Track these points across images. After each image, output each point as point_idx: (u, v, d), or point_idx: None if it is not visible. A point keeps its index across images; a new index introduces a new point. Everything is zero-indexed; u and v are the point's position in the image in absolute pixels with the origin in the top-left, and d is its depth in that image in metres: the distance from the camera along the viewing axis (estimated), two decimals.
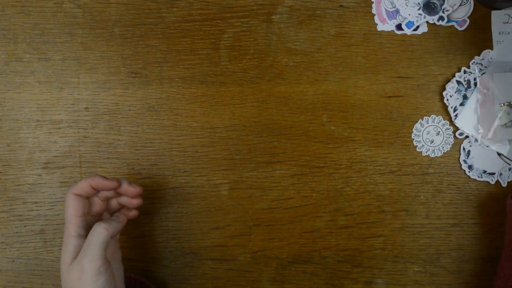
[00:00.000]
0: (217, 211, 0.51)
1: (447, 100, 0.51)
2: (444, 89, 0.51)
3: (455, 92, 0.51)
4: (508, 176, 0.51)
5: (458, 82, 0.51)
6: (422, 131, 0.51)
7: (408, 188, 0.52)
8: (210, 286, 0.51)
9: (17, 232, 0.51)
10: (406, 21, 0.51)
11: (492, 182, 0.51)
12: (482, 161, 0.51)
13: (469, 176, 0.51)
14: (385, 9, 0.51)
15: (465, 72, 0.51)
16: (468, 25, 0.51)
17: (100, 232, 0.38)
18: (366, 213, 0.51)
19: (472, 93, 0.51)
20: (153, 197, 0.51)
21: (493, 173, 0.51)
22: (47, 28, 0.51)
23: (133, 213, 0.45)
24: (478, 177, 0.51)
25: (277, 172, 0.51)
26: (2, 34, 0.51)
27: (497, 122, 0.50)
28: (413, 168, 0.51)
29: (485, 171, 0.51)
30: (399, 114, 0.52)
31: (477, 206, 0.51)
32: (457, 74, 0.51)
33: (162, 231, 0.51)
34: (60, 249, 0.50)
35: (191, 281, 0.51)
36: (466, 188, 0.51)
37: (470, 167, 0.51)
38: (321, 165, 0.51)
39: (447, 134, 0.51)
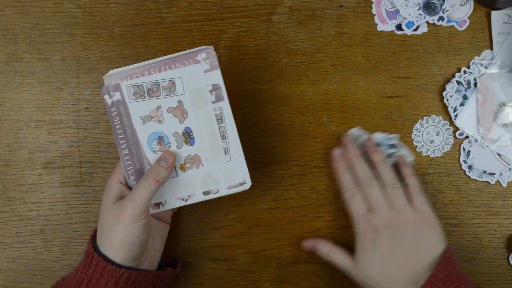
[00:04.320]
0: (217, 211, 0.51)
1: (447, 100, 0.51)
2: (444, 89, 0.51)
3: (455, 92, 0.51)
4: (508, 176, 0.51)
5: (458, 82, 0.51)
6: (422, 131, 0.51)
7: None
8: (210, 286, 0.51)
9: (17, 232, 0.51)
10: (406, 21, 0.51)
11: (492, 182, 0.51)
12: (482, 161, 0.51)
13: (469, 176, 0.51)
14: (385, 9, 0.51)
15: (465, 72, 0.51)
16: (468, 25, 0.51)
17: (150, 182, 0.41)
18: None
19: (472, 93, 0.51)
20: None
21: (493, 173, 0.51)
22: (47, 28, 0.51)
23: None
24: (478, 177, 0.51)
25: (277, 172, 0.51)
26: (2, 34, 0.51)
27: (497, 122, 0.50)
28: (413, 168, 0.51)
29: (485, 171, 0.51)
30: (399, 114, 0.52)
31: (477, 206, 0.51)
32: (457, 74, 0.51)
33: None
34: (60, 249, 0.50)
35: (191, 281, 0.51)
36: (466, 188, 0.51)
37: (470, 167, 0.51)
38: (321, 165, 0.51)
39: (447, 134, 0.51)
